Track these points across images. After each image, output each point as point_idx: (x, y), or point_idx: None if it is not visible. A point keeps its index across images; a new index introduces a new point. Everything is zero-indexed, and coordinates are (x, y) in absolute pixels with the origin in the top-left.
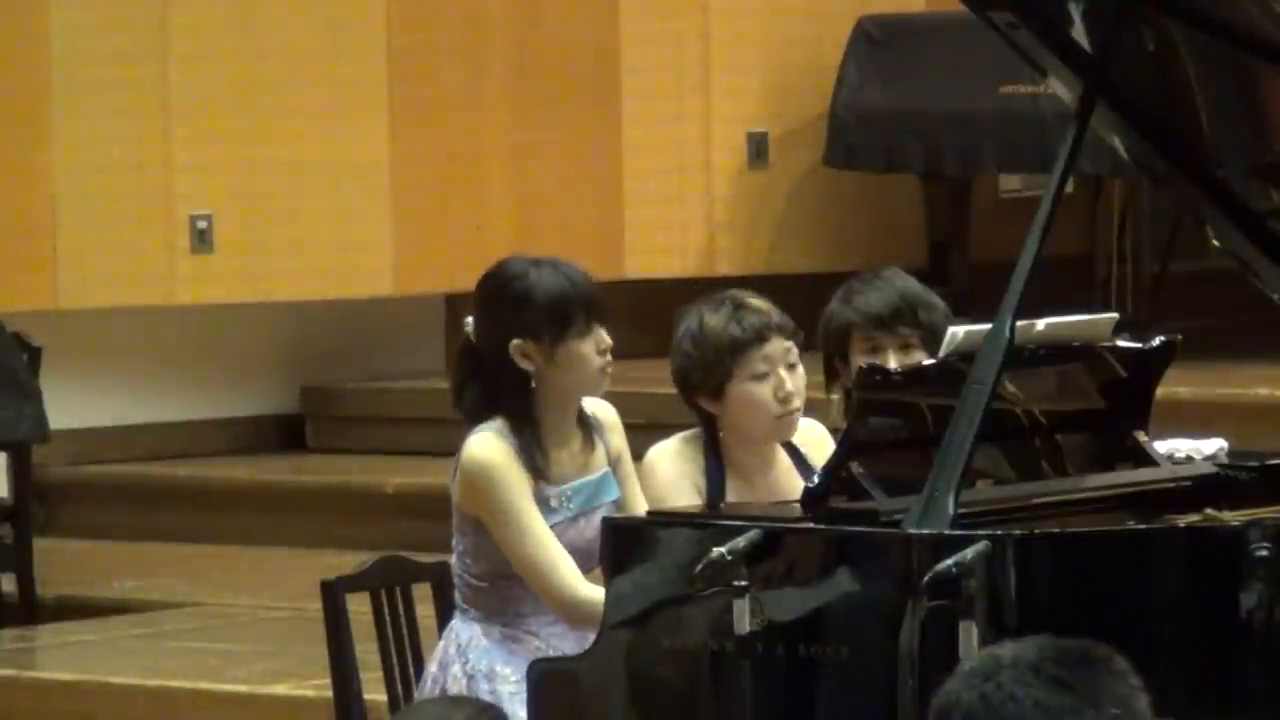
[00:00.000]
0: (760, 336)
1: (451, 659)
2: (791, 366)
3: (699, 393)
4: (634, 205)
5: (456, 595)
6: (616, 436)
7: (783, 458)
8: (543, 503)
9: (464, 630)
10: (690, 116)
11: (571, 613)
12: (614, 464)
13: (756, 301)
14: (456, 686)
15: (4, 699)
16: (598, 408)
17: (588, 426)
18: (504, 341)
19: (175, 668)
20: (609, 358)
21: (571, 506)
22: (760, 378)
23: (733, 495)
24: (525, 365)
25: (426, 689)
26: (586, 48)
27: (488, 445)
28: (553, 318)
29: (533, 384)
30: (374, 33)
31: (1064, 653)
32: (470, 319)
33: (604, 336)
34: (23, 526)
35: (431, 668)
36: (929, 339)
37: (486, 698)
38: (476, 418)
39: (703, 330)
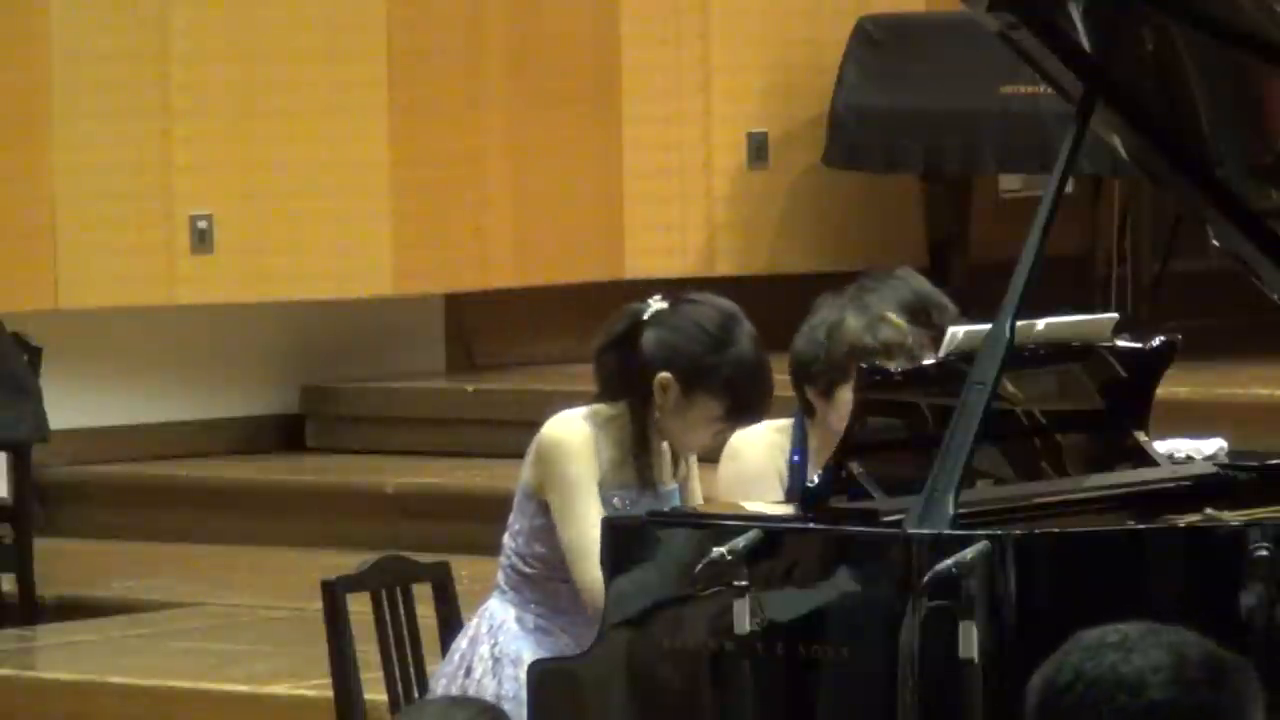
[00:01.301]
0: (888, 352)
1: (482, 638)
2: None
3: (813, 383)
4: (634, 205)
5: (500, 575)
6: (692, 465)
7: None
8: (607, 501)
9: (500, 612)
10: (690, 116)
11: (596, 602)
12: (682, 484)
13: (898, 320)
14: (482, 666)
15: (4, 699)
16: None
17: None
18: (661, 366)
19: (175, 668)
20: (722, 439)
21: (635, 511)
22: None
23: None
24: (658, 396)
25: (454, 662)
26: (586, 48)
27: (569, 424)
28: (713, 391)
29: (655, 411)
30: (374, 33)
31: (1208, 649)
32: (657, 301)
33: (727, 433)
34: (23, 526)
35: (462, 643)
36: (939, 341)
37: (509, 683)
38: (607, 386)
39: (841, 327)
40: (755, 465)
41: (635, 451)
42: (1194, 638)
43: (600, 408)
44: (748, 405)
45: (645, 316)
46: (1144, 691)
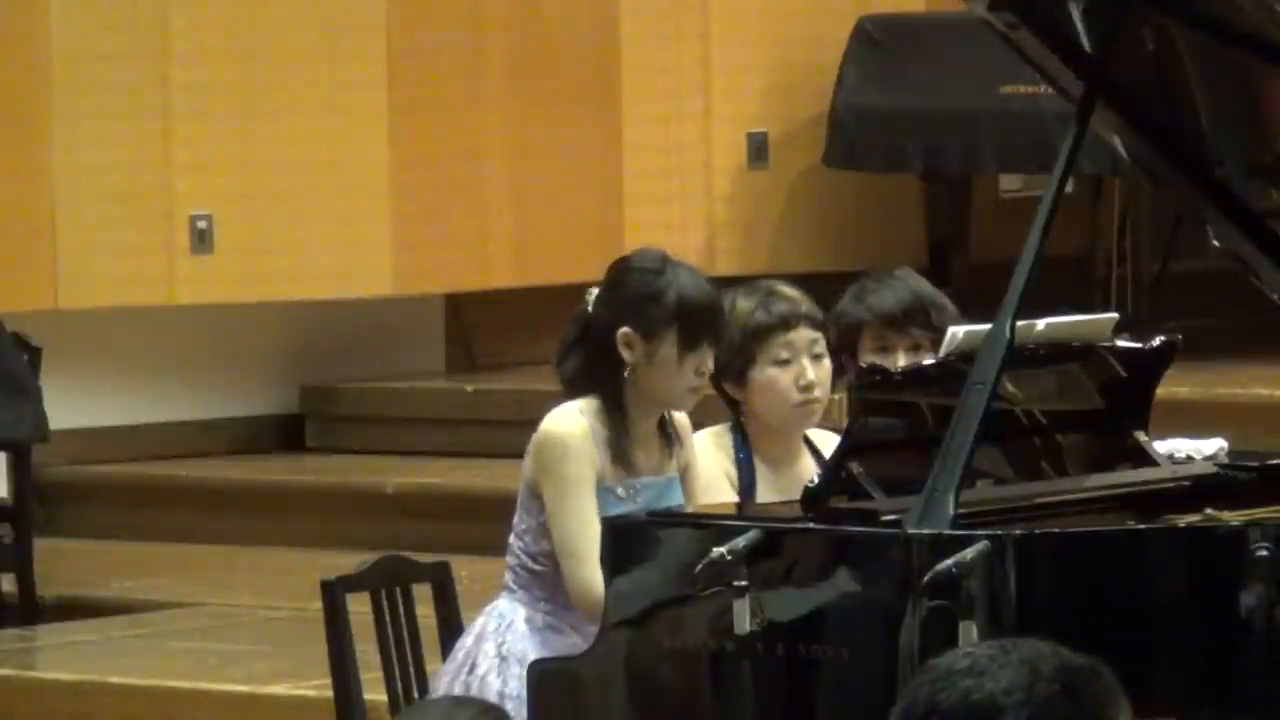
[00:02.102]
0: (786, 323)
1: (488, 635)
2: (817, 357)
3: (724, 376)
4: (634, 205)
5: (507, 575)
6: (691, 451)
7: (807, 452)
8: (609, 491)
9: (507, 610)
10: (690, 116)
11: (588, 605)
12: (683, 473)
13: (788, 290)
14: (487, 663)
15: (4, 699)
16: (679, 418)
17: (668, 433)
18: (616, 324)
19: (175, 668)
20: (703, 380)
21: (638, 501)
22: (782, 364)
23: (763, 485)
24: (625, 355)
25: (459, 659)
26: (586, 48)
27: (565, 419)
28: (667, 320)
29: (626, 374)
30: (374, 33)
31: (1061, 659)
32: (594, 290)
33: (708, 361)
34: (23, 526)
35: (467, 640)
36: (938, 341)
37: (514, 681)
38: (572, 388)
39: (732, 314)
40: (704, 472)
41: (614, 434)
42: (1048, 649)
43: (594, 400)
44: (700, 325)
45: (588, 308)
46: (999, 716)
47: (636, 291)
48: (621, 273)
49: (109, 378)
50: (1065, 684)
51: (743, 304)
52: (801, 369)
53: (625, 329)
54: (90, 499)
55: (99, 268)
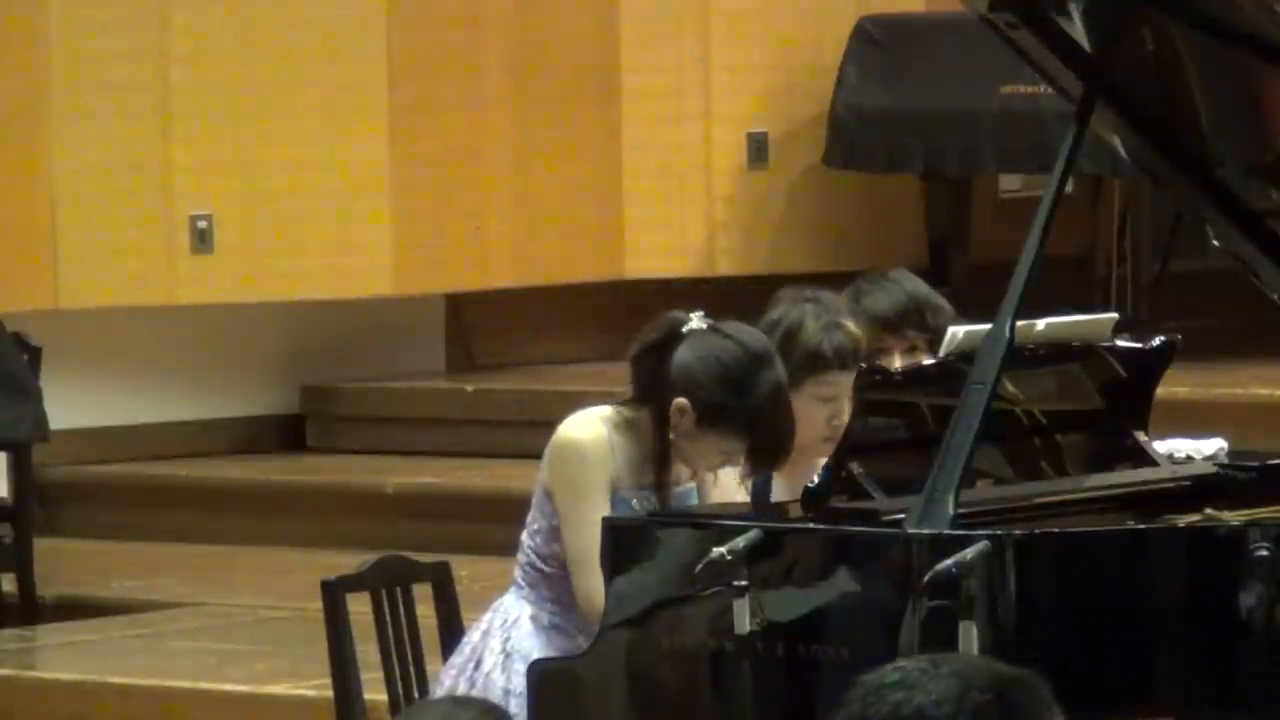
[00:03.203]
0: (843, 364)
1: (495, 631)
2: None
3: None
4: (634, 205)
5: (517, 572)
6: None
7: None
8: (624, 501)
9: (514, 608)
10: (690, 116)
11: (594, 613)
12: (700, 483)
13: (853, 328)
14: (492, 659)
15: (4, 699)
16: None
17: None
18: (682, 391)
19: (175, 668)
20: (724, 466)
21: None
22: (824, 400)
23: (777, 488)
24: (672, 416)
25: (465, 654)
26: (586, 48)
27: (585, 424)
28: (724, 428)
29: (670, 434)
30: (374, 33)
31: (994, 671)
32: (699, 318)
33: (739, 458)
34: (23, 526)
35: (474, 636)
36: (935, 342)
37: (517, 678)
38: (636, 383)
39: (798, 331)
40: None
41: (657, 460)
42: (981, 662)
43: (622, 409)
44: (762, 451)
45: (683, 330)
46: None
47: (712, 387)
48: (713, 353)
49: (109, 378)
50: (997, 694)
51: (811, 325)
52: (838, 410)
53: (684, 401)
54: (90, 499)
55: (99, 268)
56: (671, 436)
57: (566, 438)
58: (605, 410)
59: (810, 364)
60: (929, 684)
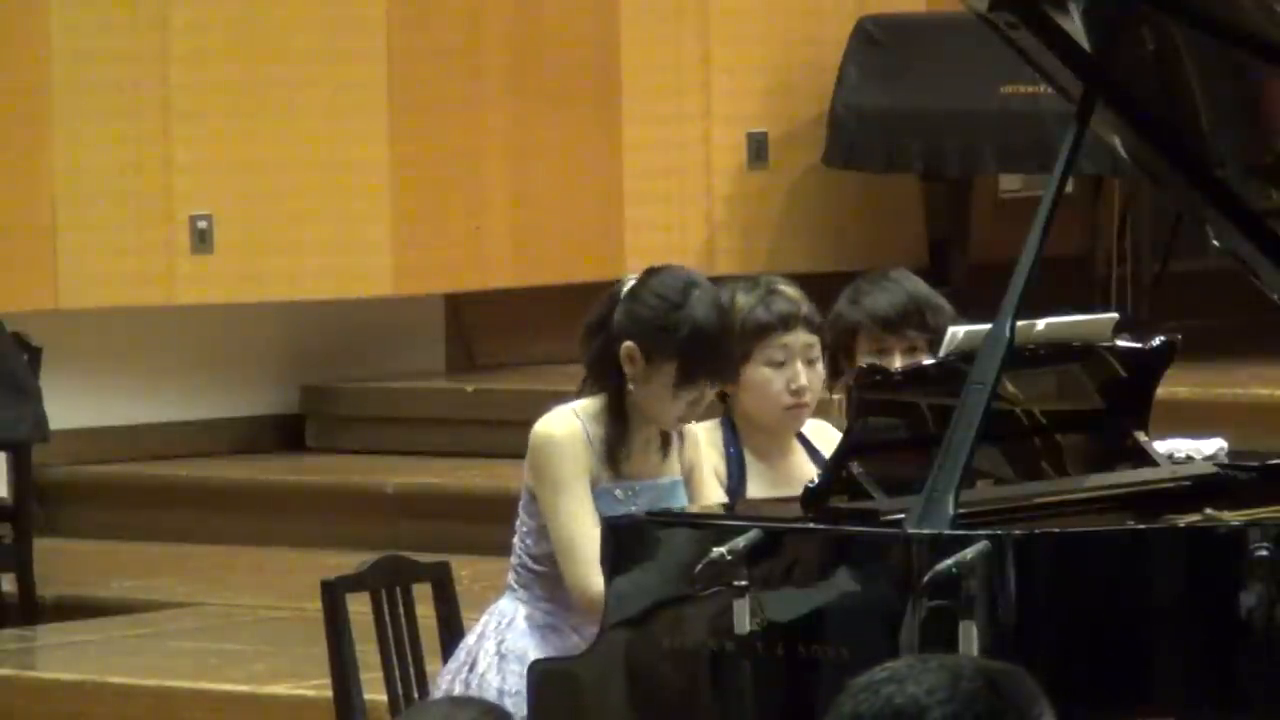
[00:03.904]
0: (785, 324)
1: (489, 634)
2: (811, 362)
3: None
4: (634, 205)
5: (510, 575)
6: (694, 450)
7: (798, 446)
8: (607, 494)
9: (509, 609)
10: (690, 116)
11: (586, 604)
12: (687, 476)
13: (790, 290)
14: (486, 660)
15: (4, 699)
16: None
17: (667, 436)
18: (625, 335)
19: (175, 668)
20: (696, 410)
21: (638, 503)
22: (776, 365)
23: (754, 480)
24: (625, 367)
25: (460, 658)
26: (586, 48)
27: (558, 420)
28: (670, 351)
29: (630, 385)
30: (374, 33)
31: (981, 664)
32: (631, 277)
33: (704, 396)
34: (23, 526)
35: (469, 639)
36: (935, 343)
37: (512, 678)
38: (590, 372)
39: (733, 308)
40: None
41: (610, 438)
42: (967, 658)
43: (591, 400)
44: (700, 366)
45: (620, 293)
46: (924, 715)
47: (651, 313)
48: (645, 287)
49: (109, 378)
50: (987, 681)
51: (743, 299)
52: (795, 372)
53: (630, 343)
54: (90, 499)
55: (99, 268)
56: (631, 390)
57: (541, 434)
58: (577, 404)
59: (753, 333)
60: (920, 676)
